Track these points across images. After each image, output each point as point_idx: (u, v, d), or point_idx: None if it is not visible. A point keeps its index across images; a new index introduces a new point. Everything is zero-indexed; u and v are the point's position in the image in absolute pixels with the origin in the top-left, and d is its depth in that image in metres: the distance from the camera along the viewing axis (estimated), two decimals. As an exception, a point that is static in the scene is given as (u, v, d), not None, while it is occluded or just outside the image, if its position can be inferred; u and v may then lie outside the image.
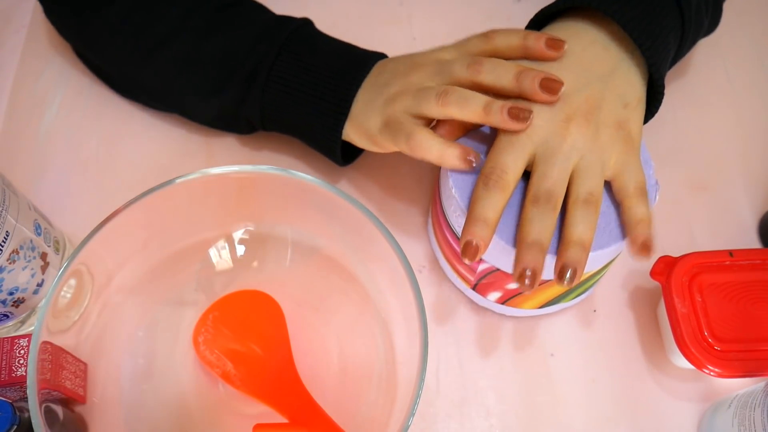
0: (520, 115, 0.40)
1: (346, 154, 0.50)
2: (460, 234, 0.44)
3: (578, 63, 0.42)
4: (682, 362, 0.46)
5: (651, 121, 0.46)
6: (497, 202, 0.40)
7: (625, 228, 0.42)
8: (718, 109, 0.59)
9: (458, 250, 0.42)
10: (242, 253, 0.49)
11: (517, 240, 0.40)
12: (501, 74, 0.41)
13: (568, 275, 0.39)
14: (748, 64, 0.62)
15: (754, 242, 0.54)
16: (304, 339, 0.47)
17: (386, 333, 0.47)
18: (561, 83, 0.40)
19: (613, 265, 0.52)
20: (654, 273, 0.47)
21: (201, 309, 0.48)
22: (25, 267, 0.44)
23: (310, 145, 0.51)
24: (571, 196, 0.41)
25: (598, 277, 0.47)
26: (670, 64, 0.48)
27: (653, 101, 0.45)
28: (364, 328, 0.48)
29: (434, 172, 0.56)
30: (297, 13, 0.64)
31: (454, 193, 0.43)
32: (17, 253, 0.43)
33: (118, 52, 0.52)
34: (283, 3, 0.64)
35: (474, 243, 0.39)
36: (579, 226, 0.40)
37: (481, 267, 0.45)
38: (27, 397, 0.37)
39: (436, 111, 0.42)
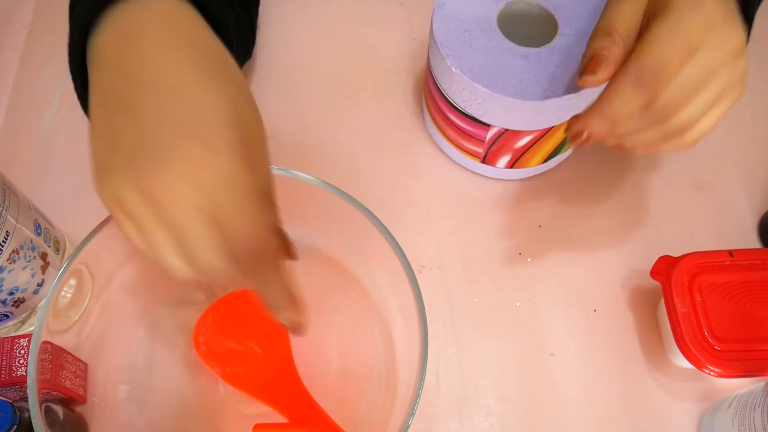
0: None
1: None
2: (463, 108, 0.48)
3: None
4: (682, 362, 0.46)
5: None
6: (639, 105, 0.36)
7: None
8: (718, 109, 0.59)
9: (462, 125, 0.47)
10: (242, 253, 0.49)
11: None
12: None
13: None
14: (748, 64, 0.61)
15: (754, 242, 0.54)
16: (304, 339, 0.47)
17: (386, 333, 0.47)
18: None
19: (613, 265, 0.52)
20: (654, 273, 0.47)
21: (201, 309, 0.48)
22: (26, 267, 0.44)
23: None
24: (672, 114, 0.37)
25: None
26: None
27: None
28: (364, 328, 0.48)
29: (435, 168, 0.56)
30: (297, 13, 0.64)
31: (452, 67, 0.46)
32: (17, 253, 0.43)
33: None
34: (282, 3, 0.65)
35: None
36: (640, 140, 0.37)
37: (490, 133, 0.49)
38: (27, 397, 0.37)
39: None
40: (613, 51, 0.37)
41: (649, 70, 0.34)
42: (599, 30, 0.38)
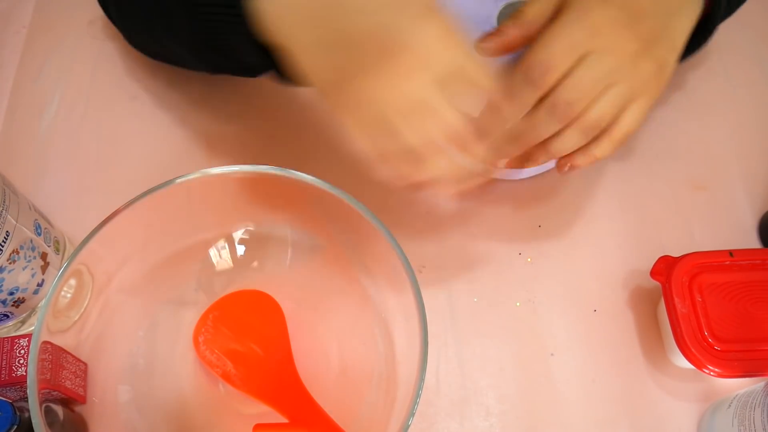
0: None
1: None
2: None
3: None
4: (682, 362, 0.46)
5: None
6: (530, 100, 0.39)
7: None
8: (718, 109, 0.59)
9: None
10: (242, 253, 0.49)
11: (511, 133, 0.41)
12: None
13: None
14: (748, 64, 0.62)
15: (754, 242, 0.54)
16: (304, 339, 0.47)
17: (386, 333, 0.47)
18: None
19: (613, 265, 0.52)
20: (654, 273, 0.47)
21: (201, 309, 0.48)
22: (26, 267, 0.44)
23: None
24: (581, 113, 0.39)
25: None
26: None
27: (695, 43, 0.44)
28: (364, 328, 0.48)
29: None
30: (297, 13, 0.63)
31: None
32: (17, 253, 0.43)
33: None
34: (283, 3, 0.64)
35: None
36: (563, 144, 0.40)
37: None
38: (27, 397, 0.37)
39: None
40: (510, 30, 0.40)
41: (534, 66, 0.38)
42: (512, 16, 0.41)
